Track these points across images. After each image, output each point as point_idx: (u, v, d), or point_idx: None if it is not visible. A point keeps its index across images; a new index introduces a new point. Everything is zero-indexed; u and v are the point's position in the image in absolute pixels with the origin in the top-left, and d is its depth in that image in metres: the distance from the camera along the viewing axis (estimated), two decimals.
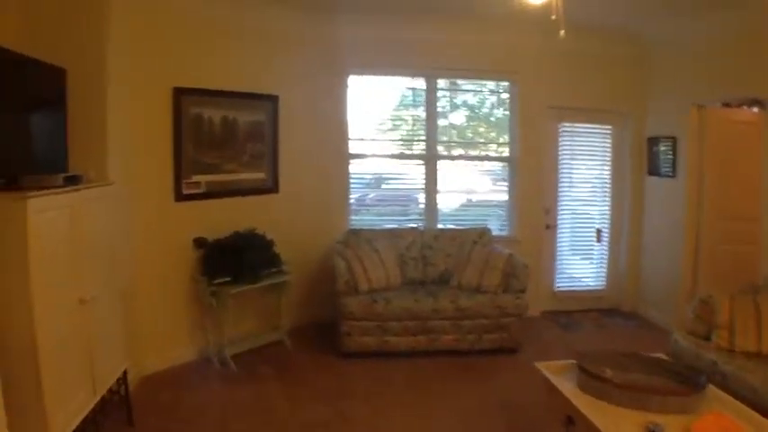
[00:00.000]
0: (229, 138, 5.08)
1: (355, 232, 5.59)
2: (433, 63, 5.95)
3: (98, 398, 3.21)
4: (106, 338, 3.39)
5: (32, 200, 2.48)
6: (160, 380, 4.46)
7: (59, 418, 2.70)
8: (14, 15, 3.58)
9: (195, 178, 4.83)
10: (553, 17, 3.05)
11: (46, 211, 2.63)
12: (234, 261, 4.65)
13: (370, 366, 4.74)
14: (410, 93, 6.28)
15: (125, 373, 3.68)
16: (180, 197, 4.73)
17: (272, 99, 5.36)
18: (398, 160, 6.31)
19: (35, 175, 2.84)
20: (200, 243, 4.77)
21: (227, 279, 4.64)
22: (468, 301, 4.90)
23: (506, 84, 6.30)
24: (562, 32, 3.16)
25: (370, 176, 6.40)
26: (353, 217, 6.12)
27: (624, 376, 3.03)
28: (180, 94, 4.65)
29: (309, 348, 5.18)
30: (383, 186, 6.51)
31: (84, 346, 3.09)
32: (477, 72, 6.22)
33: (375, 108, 6.20)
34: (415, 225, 6.05)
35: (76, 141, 3.49)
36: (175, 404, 4.04)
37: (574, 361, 3.24)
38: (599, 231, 6.44)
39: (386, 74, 6.17)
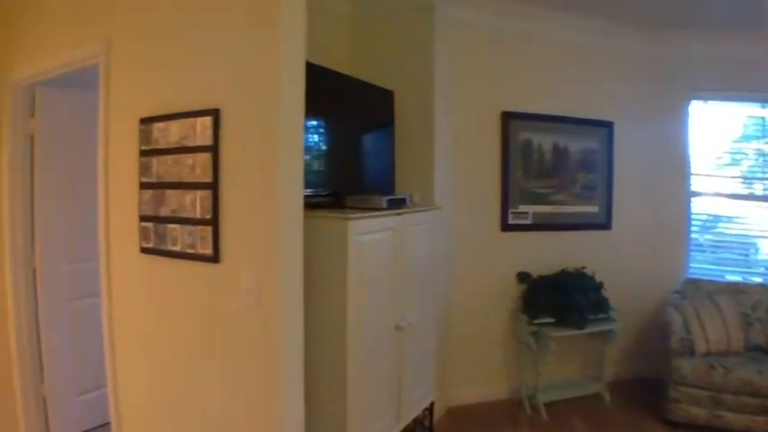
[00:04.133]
0: (559, 166, 4.71)
1: (694, 282, 4.67)
2: None
3: (401, 426, 3.13)
4: (417, 367, 3.31)
5: (354, 221, 2.48)
6: (466, 414, 4.29)
7: None
8: (346, 40, 3.82)
9: (522, 208, 4.59)
10: None
11: (367, 234, 2.62)
12: (559, 301, 4.26)
13: None
14: (757, 121, 5.07)
15: (432, 404, 3.56)
16: (506, 227, 4.53)
17: (606, 126, 4.84)
18: (737, 200, 5.15)
19: (360, 196, 2.88)
20: (523, 278, 4.50)
21: (550, 320, 4.26)
22: None
23: None
24: None
25: (705, 217, 5.35)
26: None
27: None
28: (509, 118, 4.47)
29: (629, 407, 4.47)
30: (717, 230, 5.39)
31: (394, 373, 3.02)
32: None
33: (713, 140, 5.15)
34: (761, 280, 4.85)
35: (403, 164, 3.52)
36: None
37: None
38: None
39: (734, 99, 5.04)
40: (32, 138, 3.70)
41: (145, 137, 2.61)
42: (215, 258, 2.30)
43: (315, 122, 2.80)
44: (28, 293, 3.75)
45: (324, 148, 2.84)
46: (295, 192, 2.22)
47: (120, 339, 2.88)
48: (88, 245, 3.04)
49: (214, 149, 2.29)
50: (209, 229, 2.32)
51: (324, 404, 2.58)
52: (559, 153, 4.70)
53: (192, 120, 2.37)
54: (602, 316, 4.38)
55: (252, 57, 2.17)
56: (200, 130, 2.33)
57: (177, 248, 2.47)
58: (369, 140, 3.32)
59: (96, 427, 3.82)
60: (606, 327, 4.38)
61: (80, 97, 3.68)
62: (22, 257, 3.71)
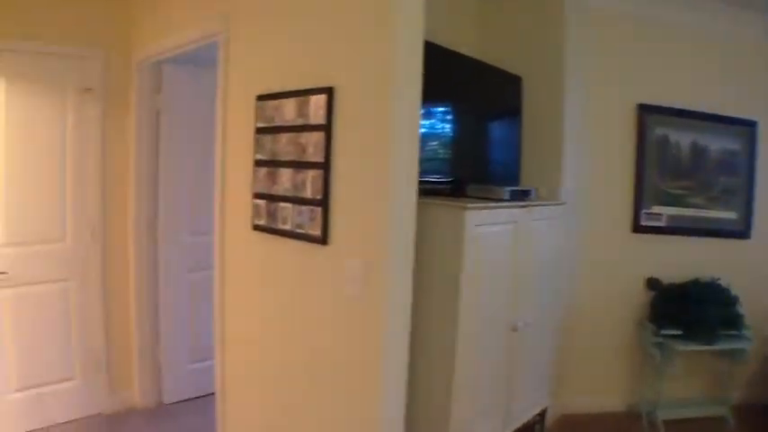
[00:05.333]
0: (698, 167, 4.24)
1: None
2: None
3: (509, 430, 2.93)
4: (531, 371, 3.09)
5: (472, 211, 2.29)
6: (580, 423, 4.01)
7: None
8: (472, 25, 3.63)
9: (656, 209, 4.18)
10: None
11: (486, 225, 2.42)
12: (689, 313, 3.85)
13: None
14: None
15: (545, 410, 3.33)
16: (637, 228, 4.15)
17: (750, 125, 4.29)
18: None
19: (482, 185, 2.69)
20: (653, 284, 4.11)
21: (678, 332, 3.87)
22: None
23: None
24: None
25: None
26: None
27: None
28: (645, 111, 4.07)
29: None
30: None
31: (505, 376, 2.82)
32: None
33: None
34: None
35: (529, 154, 3.30)
36: None
37: None
38: None
39: None
40: (158, 114, 3.82)
41: (261, 114, 2.58)
42: (323, 240, 2.21)
43: (440, 107, 2.64)
44: (149, 262, 3.90)
45: (448, 133, 2.68)
46: (408, 176, 2.07)
47: (229, 313, 2.92)
48: (207, 219, 3.09)
49: (327, 129, 2.19)
50: (318, 210, 2.23)
51: (426, 401, 2.45)
52: (697, 152, 4.24)
53: (305, 98, 2.29)
54: (734, 333, 3.91)
55: (366, 34, 2.05)
56: (314, 109, 2.24)
57: (287, 227, 2.41)
58: (495, 128, 3.11)
59: (204, 396, 3.93)
60: (738, 345, 3.90)
61: (202, 74, 3.75)
62: (145, 228, 3.86)
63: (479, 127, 2.94)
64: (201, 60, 3.46)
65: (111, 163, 3.76)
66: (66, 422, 3.69)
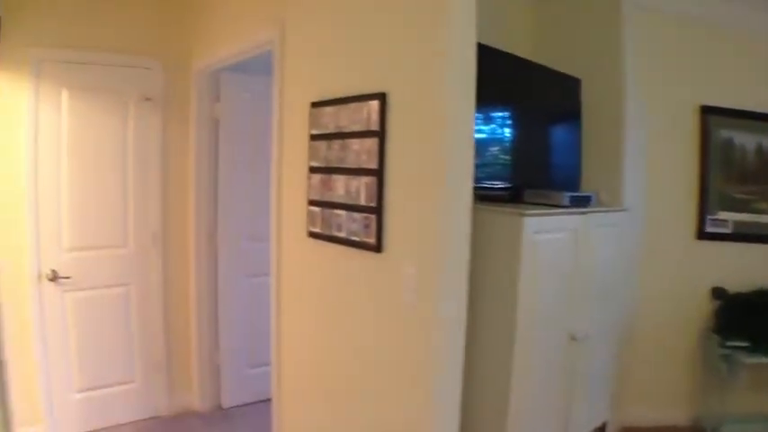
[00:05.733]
0: (764, 171, 4.04)
1: None
2: None
3: None
4: (591, 382, 2.99)
5: (530, 218, 2.23)
6: None
7: None
8: (528, 26, 3.55)
9: (722, 215, 4.00)
10: None
11: (545, 233, 2.36)
12: (755, 324, 3.68)
13: None
14: None
15: (605, 424, 3.22)
16: (702, 235, 3.98)
17: None
18: None
19: (540, 191, 2.62)
20: (718, 294, 3.93)
21: (745, 344, 3.69)
22: None
23: None
24: None
25: None
26: None
27: None
28: (708, 113, 3.90)
29: None
30: None
31: (565, 387, 2.74)
32: None
33: None
34: None
35: (589, 159, 3.21)
36: None
37: None
38: None
39: None
40: (216, 122, 3.89)
41: (315, 121, 2.59)
42: (378, 248, 2.20)
43: (499, 112, 2.60)
44: (209, 267, 3.98)
45: (507, 138, 2.63)
46: (463, 183, 2.03)
47: (285, 319, 2.94)
48: (265, 225, 3.12)
49: (380, 135, 2.17)
50: (372, 217, 2.21)
51: (482, 412, 2.40)
52: (764, 156, 4.04)
53: (359, 104, 2.29)
54: None
55: (418, 38, 2.03)
56: (367, 115, 2.24)
57: (342, 235, 2.41)
58: (555, 132, 3.04)
59: (262, 401, 3.96)
60: None
61: (259, 83, 3.80)
62: (205, 233, 3.93)
63: (539, 131, 2.88)
64: (258, 69, 3.51)
65: (171, 170, 3.86)
66: (126, 423, 3.79)
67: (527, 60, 2.88)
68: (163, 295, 3.88)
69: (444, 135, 1.93)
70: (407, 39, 2.08)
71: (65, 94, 3.47)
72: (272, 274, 2.99)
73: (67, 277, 3.51)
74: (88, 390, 3.66)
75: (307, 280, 2.74)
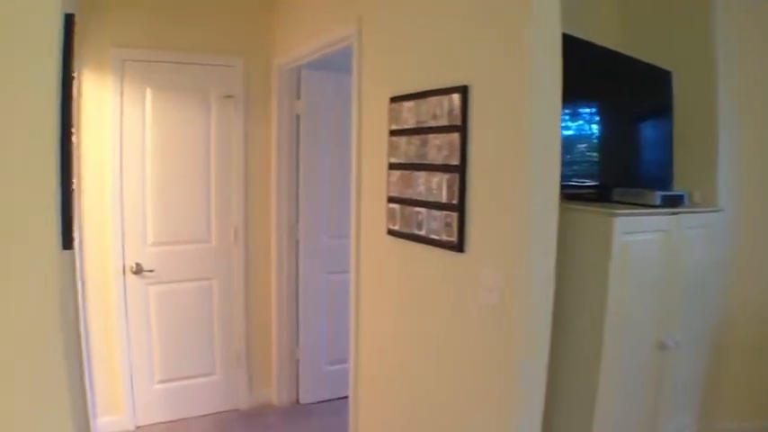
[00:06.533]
0: None
1: None
2: None
3: None
4: (680, 393, 2.82)
5: (621, 218, 2.12)
6: None
7: None
8: (616, 15, 3.38)
9: None
10: None
11: (635, 233, 2.23)
12: None
13: None
14: None
15: None
16: None
17: None
18: None
19: (630, 189, 2.49)
20: None
21: None
22: None
23: None
24: None
25: None
26: None
27: None
28: None
29: None
30: None
31: (652, 397, 2.59)
32: None
33: None
34: None
35: (682, 156, 3.02)
36: None
37: None
38: None
39: None
40: (297, 118, 3.93)
41: (394, 116, 2.56)
42: (459, 247, 2.14)
43: (586, 107, 2.48)
44: (290, 263, 4.02)
45: (594, 135, 2.51)
46: (550, 181, 1.94)
47: (363, 317, 2.93)
48: (346, 221, 3.12)
49: (462, 129, 2.11)
50: (454, 215, 2.15)
51: (566, 418, 2.30)
52: None
53: (439, 98, 2.23)
54: None
55: (500, 28, 1.94)
56: (448, 109, 2.18)
57: (422, 233, 2.37)
58: (644, 128, 2.88)
59: (341, 398, 3.96)
60: None
61: (339, 79, 3.81)
62: (286, 230, 3.98)
63: (628, 127, 2.73)
64: (338, 65, 3.51)
65: (252, 166, 3.93)
66: (205, 415, 3.89)
67: (615, 51, 2.73)
68: (244, 290, 3.96)
69: (529, 130, 1.85)
70: (489, 28, 2.00)
71: (148, 93, 3.59)
72: (352, 272, 2.99)
73: (151, 270, 3.63)
74: (169, 381, 3.79)
75: (386, 278, 2.71)
